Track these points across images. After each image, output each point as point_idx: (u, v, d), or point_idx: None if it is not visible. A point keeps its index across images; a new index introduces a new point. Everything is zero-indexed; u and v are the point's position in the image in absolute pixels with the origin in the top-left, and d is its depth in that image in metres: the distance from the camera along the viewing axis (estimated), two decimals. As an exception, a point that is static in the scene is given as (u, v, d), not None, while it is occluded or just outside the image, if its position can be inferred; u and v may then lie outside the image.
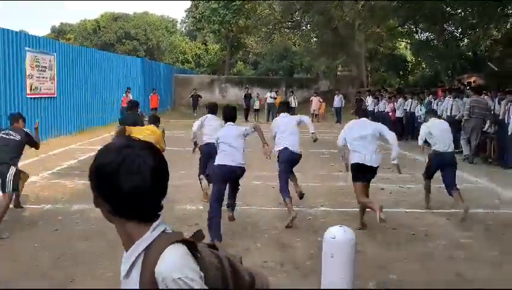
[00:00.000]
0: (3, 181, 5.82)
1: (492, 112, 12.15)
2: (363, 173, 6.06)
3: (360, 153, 6.03)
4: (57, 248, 5.31)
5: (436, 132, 6.93)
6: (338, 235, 2.60)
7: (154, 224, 1.34)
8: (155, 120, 7.38)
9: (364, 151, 6.03)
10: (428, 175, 7.23)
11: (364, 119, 6.54)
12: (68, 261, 4.95)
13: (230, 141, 5.73)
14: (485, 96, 13.10)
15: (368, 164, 5.99)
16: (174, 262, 1.25)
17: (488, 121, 11.54)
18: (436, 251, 5.39)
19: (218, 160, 5.73)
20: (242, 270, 1.47)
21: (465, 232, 6.10)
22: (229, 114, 6.11)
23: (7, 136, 6.10)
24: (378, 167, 6.14)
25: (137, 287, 1.28)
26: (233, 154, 5.69)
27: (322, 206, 7.29)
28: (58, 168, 10.13)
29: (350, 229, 3.28)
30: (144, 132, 6.63)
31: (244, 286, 1.45)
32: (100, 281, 4.44)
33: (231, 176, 5.76)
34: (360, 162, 5.99)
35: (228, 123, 6.05)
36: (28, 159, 11.07)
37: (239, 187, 6.12)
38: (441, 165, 6.95)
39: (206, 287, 1.27)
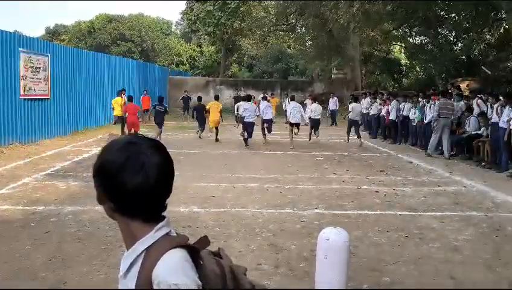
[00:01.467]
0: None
1: (485, 115, 12.32)
2: (293, 125, 14.57)
3: (295, 117, 14.54)
4: (48, 250, 5.27)
5: (314, 109, 16.07)
6: (332, 236, 2.58)
7: (159, 225, 1.31)
8: (217, 97, 17.00)
9: (296, 117, 14.53)
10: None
11: (294, 102, 15.31)
12: (60, 263, 4.91)
13: (251, 110, 14.52)
14: (479, 101, 13.31)
15: (296, 122, 14.53)
16: (172, 267, 1.22)
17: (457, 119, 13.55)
18: (430, 254, 5.39)
19: (246, 119, 14.32)
20: (243, 279, 1.44)
21: (459, 235, 6.11)
22: (248, 98, 15.71)
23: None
24: (299, 123, 14.67)
25: (134, 286, 1.26)
26: (252, 116, 14.45)
27: (316, 208, 7.28)
28: (51, 169, 10.07)
29: (344, 230, 3.27)
30: (215, 105, 15.84)
31: None
32: (92, 283, 4.41)
33: (251, 125, 14.41)
34: (294, 121, 14.54)
35: (248, 102, 14.98)
36: (21, 160, 11.02)
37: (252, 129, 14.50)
38: (315, 124, 15.89)
39: None
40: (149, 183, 1.26)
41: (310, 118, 15.76)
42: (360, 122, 16.56)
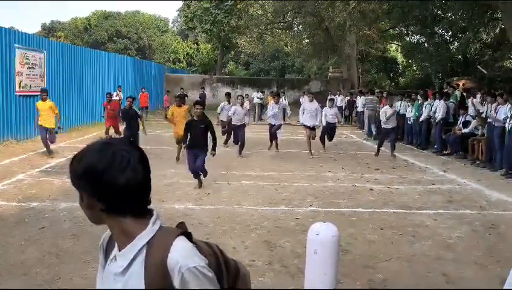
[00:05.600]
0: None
1: (481, 115, 12.38)
2: (309, 128, 12.53)
3: (309, 121, 12.54)
4: (43, 246, 5.27)
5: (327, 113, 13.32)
6: (321, 231, 2.61)
7: (153, 219, 1.37)
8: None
9: (311, 120, 12.54)
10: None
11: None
12: (54, 258, 4.92)
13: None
14: (474, 100, 13.40)
15: (311, 125, 12.54)
16: (187, 253, 1.31)
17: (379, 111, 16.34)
18: (423, 251, 5.43)
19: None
20: (229, 258, 1.56)
21: (452, 232, 6.15)
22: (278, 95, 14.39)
23: None
24: (314, 126, 12.64)
25: (142, 280, 1.30)
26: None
27: (310, 206, 7.30)
28: (46, 166, 10.06)
29: (333, 225, 3.29)
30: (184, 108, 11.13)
31: (233, 271, 1.54)
32: (86, 280, 4.41)
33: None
34: (307, 124, 12.57)
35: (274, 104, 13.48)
36: (16, 157, 11.01)
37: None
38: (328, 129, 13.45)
39: (214, 275, 1.33)
40: (137, 178, 1.32)
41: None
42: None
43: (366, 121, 17.68)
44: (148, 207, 1.40)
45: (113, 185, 1.29)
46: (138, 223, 1.34)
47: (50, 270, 4.63)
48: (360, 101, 20.11)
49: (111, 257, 1.40)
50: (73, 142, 13.91)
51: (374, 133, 16.87)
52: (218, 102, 30.56)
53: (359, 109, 20.48)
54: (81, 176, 1.33)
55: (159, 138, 14.64)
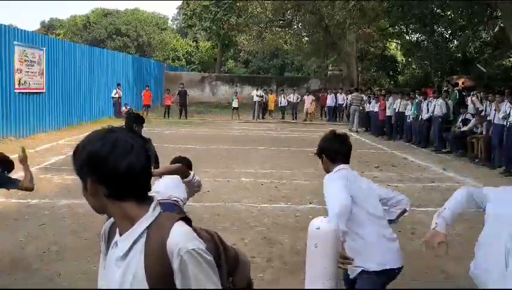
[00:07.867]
0: None
1: (480, 113, 12.41)
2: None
3: None
4: (43, 242, 5.28)
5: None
6: (322, 225, 2.62)
7: (153, 205, 1.39)
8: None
9: None
10: None
11: None
12: (54, 255, 4.93)
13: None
14: (474, 98, 13.42)
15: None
16: (187, 236, 1.34)
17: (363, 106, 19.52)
18: (422, 249, 5.43)
19: None
20: (228, 245, 1.62)
21: (450, 230, 6.16)
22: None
23: None
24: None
25: (142, 263, 1.33)
26: None
27: (310, 203, 7.32)
28: (46, 163, 10.05)
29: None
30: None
31: (232, 259, 1.61)
32: (86, 276, 4.42)
33: None
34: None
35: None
36: (15, 154, 10.99)
37: None
38: None
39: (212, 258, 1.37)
40: (140, 162, 1.34)
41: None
42: None
43: (351, 115, 20.03)
44: (149, 194, 1.42)
45: (116, 170, 1.31)
46: (139, 209, 1.37)
47: (50, 266, 4.64)
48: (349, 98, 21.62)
49: (112, 243, 1.43)
50: (73, 140, 13.89)
51: (356, 126, 19.35)
52: (217, 101, 30.68)
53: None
54: (85, 163, 1.35)
55: (159, 136, 14.66)
